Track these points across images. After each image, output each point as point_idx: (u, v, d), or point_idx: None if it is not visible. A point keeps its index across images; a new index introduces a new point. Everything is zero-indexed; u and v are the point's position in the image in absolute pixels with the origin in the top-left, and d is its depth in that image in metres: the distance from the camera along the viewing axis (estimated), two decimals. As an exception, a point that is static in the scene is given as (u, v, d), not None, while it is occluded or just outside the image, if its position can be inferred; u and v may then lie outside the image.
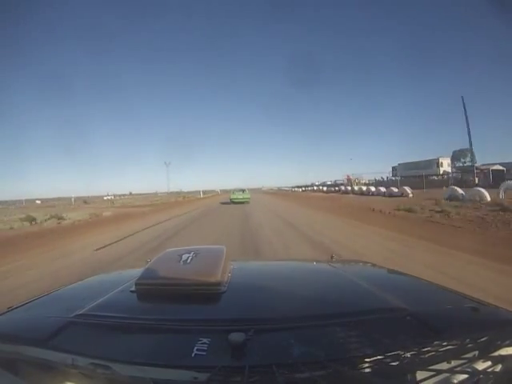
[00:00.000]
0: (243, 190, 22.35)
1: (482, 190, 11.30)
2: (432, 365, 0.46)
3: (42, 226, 12.01)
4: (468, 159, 33.05)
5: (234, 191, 22.90)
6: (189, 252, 0.91)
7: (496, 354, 0.50)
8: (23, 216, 13.98)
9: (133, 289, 0.81)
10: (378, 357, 0.49)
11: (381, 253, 4.44)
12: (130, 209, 21.68)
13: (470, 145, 27.99)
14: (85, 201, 41.40)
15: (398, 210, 10.07)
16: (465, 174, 27.84)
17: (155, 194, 64.95)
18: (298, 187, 70.12)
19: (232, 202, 20.61)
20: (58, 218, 13.77)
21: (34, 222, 12.72)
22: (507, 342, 0.52)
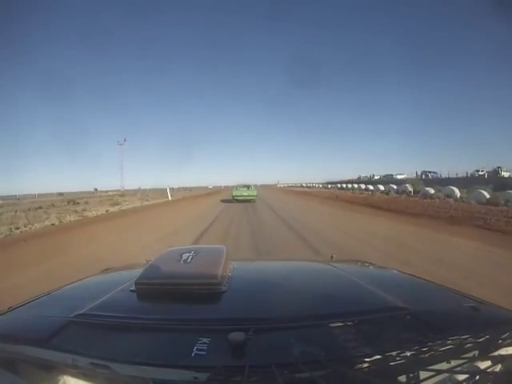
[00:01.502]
0: (248, 186, 18.37)
1: None
2: (432, 364, 0.46)
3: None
4: None
5: (237, 187, 18.63)
6: (189, 251, 0.91)
7: (496, 353, 0.50)
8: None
9: (133, 288, 0.81)
10: (378, 356, 0.49)
11: None
12: None
13: None
14: None
15: None
16: None
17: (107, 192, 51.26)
18: (331, 183, 47.73)
19: (234, 199, 17.26)
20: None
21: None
22: (507, 342, 0.52)
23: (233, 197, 17.78)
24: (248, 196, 17.42)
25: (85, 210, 15.65)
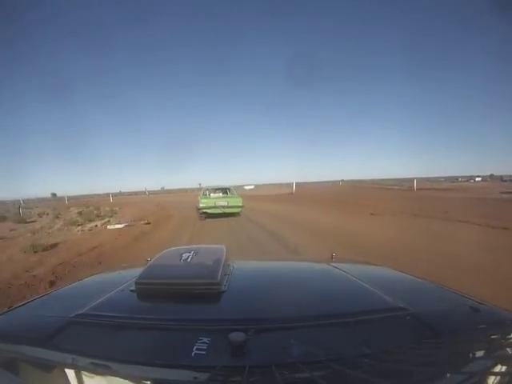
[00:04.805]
0: (225, 190, 11.48)
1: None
2: (432, 365, 0.46)
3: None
4: None
5: (207, 192, 11.33)
6: (189, 251, 0.91)
7: (496, 354, 0.50)
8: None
9: (133, 288, 0.81)
10: (378, 357, 0.49)
11: None
12: None
13: None
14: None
15: None
16: None
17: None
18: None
19: (203, 213, 9.94)
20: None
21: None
22: (507, 342, 0.52)
23: (199, 209, 10.07)
24: (227, 208, 10.03)
25: None
